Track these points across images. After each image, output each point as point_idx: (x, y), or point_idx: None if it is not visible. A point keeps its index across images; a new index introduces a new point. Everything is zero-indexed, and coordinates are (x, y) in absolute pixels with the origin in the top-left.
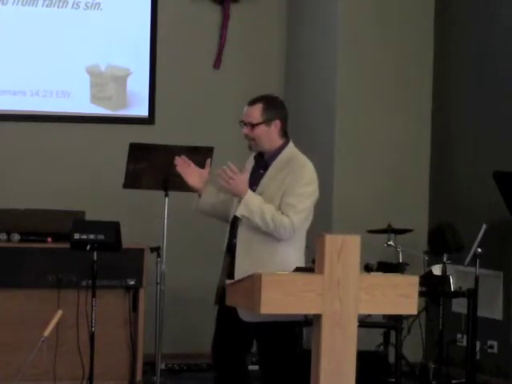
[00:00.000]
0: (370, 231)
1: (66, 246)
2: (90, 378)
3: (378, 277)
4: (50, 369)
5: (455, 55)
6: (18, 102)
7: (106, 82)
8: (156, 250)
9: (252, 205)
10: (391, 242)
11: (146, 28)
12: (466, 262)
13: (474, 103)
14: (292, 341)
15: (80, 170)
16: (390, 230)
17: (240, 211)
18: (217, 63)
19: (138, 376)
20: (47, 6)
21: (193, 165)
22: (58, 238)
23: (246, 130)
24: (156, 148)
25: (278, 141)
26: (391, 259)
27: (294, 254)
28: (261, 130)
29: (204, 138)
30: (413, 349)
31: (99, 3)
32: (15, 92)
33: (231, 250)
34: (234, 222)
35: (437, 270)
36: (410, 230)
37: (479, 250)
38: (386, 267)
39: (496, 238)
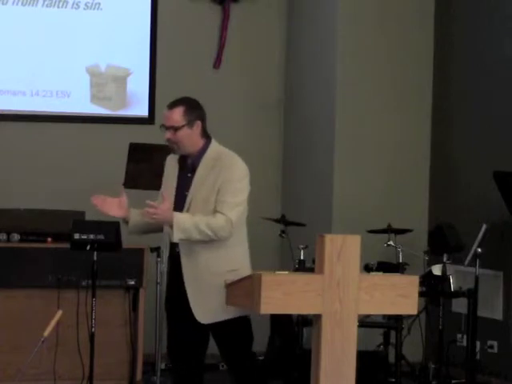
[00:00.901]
0: (370, 231)
1: (66, 246)
2: (90, 378)
3: (377, 277)
4: (50, 369)
5: (455, 55)
6: (17, 101)
7: (105, 82)
8: (156, 250)
9: (184, 224)
10: (391, 242)
11: (146, 28)
12: (466, 262)
13: (474, 103)
14: (247, 333)
15: (80, 169)
16: (390, 230)
17: (176, 236)
18: (217, 63)
19: (138, 376)
20: (47, 6)
21: (109, 198)
22: (57, 238)
23: (168, 134)
24: (156, 148)
25: (200, 141)
26: (391, 259)
27: (239, 248)
28: (184, 132)
29: None
30: (413, 349)
31: (99, 3)
32: (15, 92)
33: (175, 258)
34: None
35: (437, 269)
36: (410, 230)
37: (479, 250)
38: (386, 267)
39: (496, 238)
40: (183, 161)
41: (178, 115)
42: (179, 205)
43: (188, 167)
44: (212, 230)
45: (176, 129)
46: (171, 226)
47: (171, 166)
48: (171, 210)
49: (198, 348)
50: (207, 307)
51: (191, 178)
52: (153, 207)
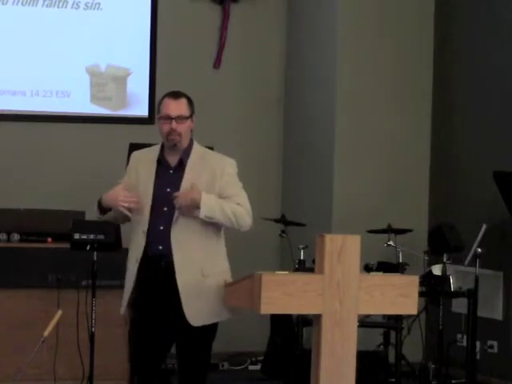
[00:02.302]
0: (370, 231)
1: (66, 246)
2: (90, 378)
3: (377, 277)
4: (50, 369)
5: (455, 55)
6: (17, 101)
7: (105, 82)
8: None
9: (210, 201)
10: (391, 242)
11: (146, 28)
12: (466, 262)
13: (474, 103)
14: (209, 342)
15: (80, 170)
16: (390, 230)
17: (203, 212)
18: (217, 63)
19: None
20: (47, 6)
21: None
22: (57, 238)
23: (174, 124)
24: None
25: (189, 137)
26: (391, 259)
27: (222, 246)
28: (188, 124)
29: (204, 138)
30: (413, 349)
31: (99, 3)
32: (15, 92)
33: (156, 271)
34: (157, 229)
35: (437, 269)
36: (410, 230)
37: (479, 250)
38: (386, 267)
39: (496, 238)
40: (163, 157)
41: (184, 106)
42: (161, 202)
43: (168, 164)
44: (235, 216)
45: (183, 118)
46: (198, 205)
47: (143, 161)
48: (199, 190)
49: (161, 354)
50: (200, 309)
51: (176, 175)
52: (175, 194)
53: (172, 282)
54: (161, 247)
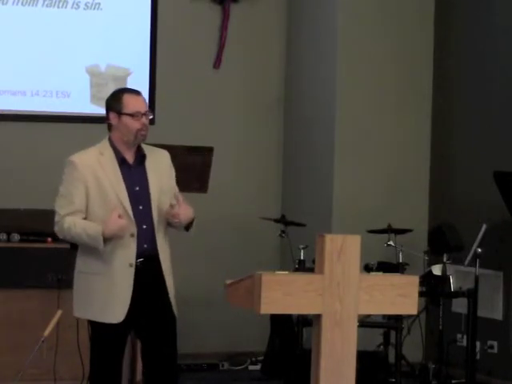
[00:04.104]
0: (370, 231)
1: (66, 246)
2: None
3: (377, 277)
4: (50, 369)
5: (455, 55)
6: (17, 101)
7: (105, 82)
8: None
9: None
10: (391, 242)
11: (146, 28)
12: (466, 262)
13: (474, 103)
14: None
15: None
16: (390, 230)
17: (195, 232)
18: (217, 63)
19: (138, 376)
20: (47, 6)
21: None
22: (58, 238)
23: (145, 120)
24: None
25: None
26: (391, 259)
27: None
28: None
29: (204, 138)
30: (413, 349)
31: (99, 3)
32: (15, 92)
33: (145, 258)
34: (140, 229)
35: (437, 269)
36: (410, 230)
37: (479, 250)
38: (386, 267)
39: (496, 238)
40: (119, 155)
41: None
42: (135, 201)
43: (127, 162)
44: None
45: (148, 114)
46: (190, 223)
47: (99, 164)
48: (190, 207)
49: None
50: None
51: (137, 173)
52: (176, 212)
53: (160, 281)
54: (146, 245)
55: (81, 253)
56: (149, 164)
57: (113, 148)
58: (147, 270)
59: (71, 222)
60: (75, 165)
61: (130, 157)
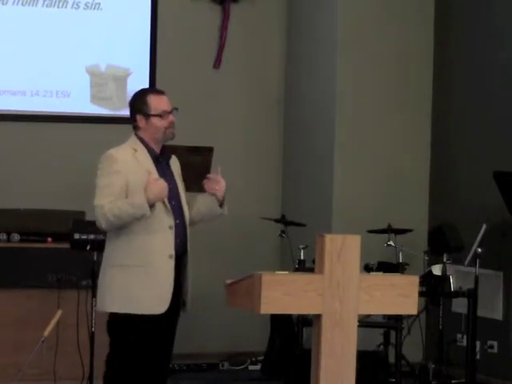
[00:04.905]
0: (370, 231)
1: (66, 246)
2: (90, 378)
3: (378, 277)
4: (50, 369)
5: (455, 55)
6: (17, 101)
7: (105, 82)
8: None
9: None
10: (391, 242)
11: (146, 28)
12: (466, 262)
13: (474, 103)
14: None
15: (80, 170)
16: (390, 230)
17: (226, 208)
18: (217, 63)
19: None
20: (47, 6)
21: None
22: (57, 238)
23: (172, 117)
24: None
25: None
26: (391, 259)
27: None
28: None
29: (204, 138)
30: (413, 349)
31: (99, 3)
32: (15, 92)
33: (178, 252)
34: (175, 224)
35: (437, 269)
36: (410, 230)
37: (479, 249)
38: (386, 267)
39: (496, 238)
40: (152, 152)
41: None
42: (169, 196)
43: (158, 158)
44: None
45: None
46: (222, 202)
47: (136, 158)
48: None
49: None
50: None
51: (166, 169)
52: (217, 180)
53: (183, 275)
54: (179, 240)
55: (116, 246)
56: (171, 161)
57: (144, 145)
58: (179, 264)
59: (111, 203)
60: (115, 158)
61: (165, 154)
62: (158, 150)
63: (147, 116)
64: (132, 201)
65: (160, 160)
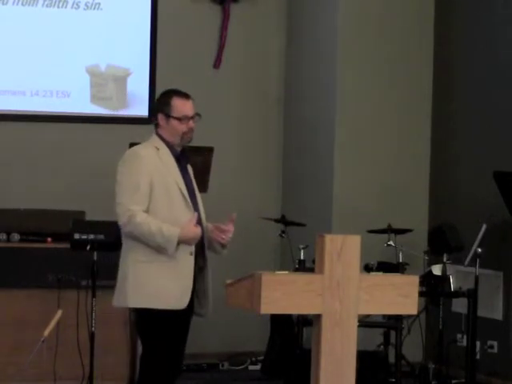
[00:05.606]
0: (370, 231)
1: (66, 246)
2: (90, 378)
3: (378, 277)
4: (50, 369)
5: (455, 55)
6: (17, 101)
7: (105, 82)
8: None
9: None
10: (391, 242)
11: (146, 28)
12: (466, 262)
13: (474, 103)
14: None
15: (80, 169)
16: (390, 230)
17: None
18: (217, 63)
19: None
20: (47, 6)
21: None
22: (57, 238)
23: (192, 124)
24: None
25: None
26: (391, 259)
27: None
28: None
29: (204, 138)
30: (413, 349)
31: (99, 3)
32: (15, 92)
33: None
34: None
35: (437, 269)
36: (410, 230)
37: (479, 249)
38: (386, 267)
39: (496, 238)
40: (175, 152)
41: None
42: (192, 203)
43: (179, 161)
44: None
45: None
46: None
47: (159, 156)
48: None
49: None
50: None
51: (184, 171)
52: (226, 230)
53: (199, 277)
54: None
55: (138, 242)
56: (188, 164)
57: (165, 143)
58: (197, 262)
59: (146, 220)
60: (141, 157)
61: (185, 157)
62: (175, 150)
63: (168, 117)
64: (164, 232)
65: (181, 161)
